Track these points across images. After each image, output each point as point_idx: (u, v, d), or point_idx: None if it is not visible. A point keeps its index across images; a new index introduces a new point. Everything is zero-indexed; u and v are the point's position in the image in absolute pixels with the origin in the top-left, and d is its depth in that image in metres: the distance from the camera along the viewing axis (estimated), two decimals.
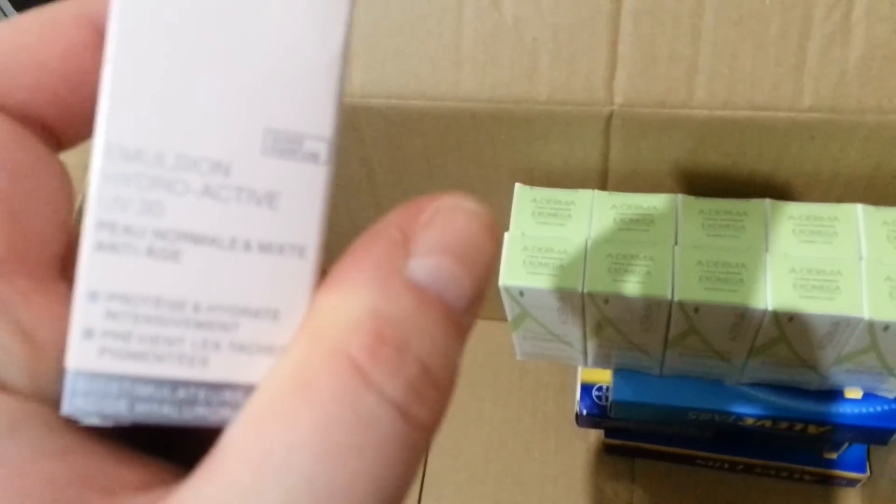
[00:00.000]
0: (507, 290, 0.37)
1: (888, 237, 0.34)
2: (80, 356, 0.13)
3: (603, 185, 0.39)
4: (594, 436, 0.50)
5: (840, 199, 0.36)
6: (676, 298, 0.34)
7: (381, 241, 0.14)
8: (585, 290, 0.35)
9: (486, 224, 0.15)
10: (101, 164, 0.13)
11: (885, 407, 0.40)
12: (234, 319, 0.14)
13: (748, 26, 0.32)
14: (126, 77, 0.13)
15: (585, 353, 0.42)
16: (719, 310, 0.34)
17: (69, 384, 0.13)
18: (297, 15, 0.14)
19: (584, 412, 0.45)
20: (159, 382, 0.13)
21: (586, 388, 0.46)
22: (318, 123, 0.14)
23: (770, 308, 0.34)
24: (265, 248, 0.14)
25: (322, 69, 0.14)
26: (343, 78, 0.15)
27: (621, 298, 0.35)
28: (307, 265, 0.14)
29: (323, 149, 0.14)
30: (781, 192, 0.36)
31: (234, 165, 0.14)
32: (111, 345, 0.13)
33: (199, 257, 0.14)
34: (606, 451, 0.49)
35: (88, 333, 0.13)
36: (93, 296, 0.13)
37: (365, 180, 0.41)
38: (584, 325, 0.39)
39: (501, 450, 0.50)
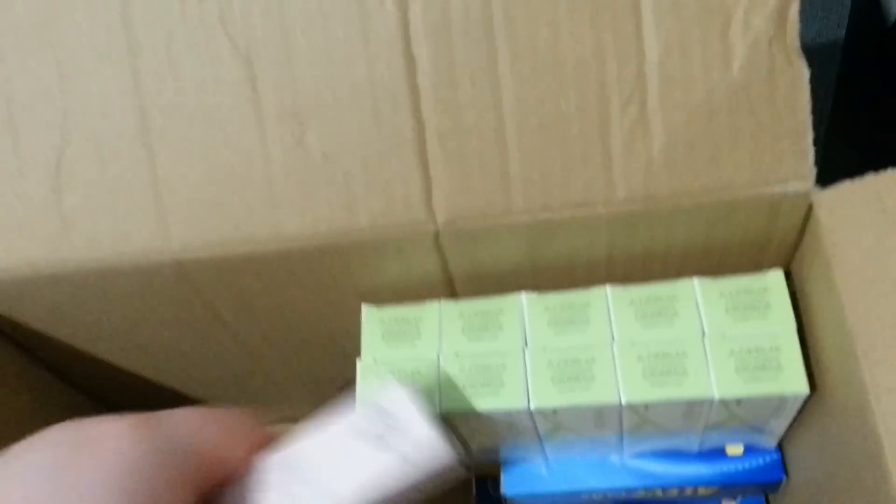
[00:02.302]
0: None
1: (727, 309, 0.35)
2: None
3: (451, 290, 0.38)
4: None
5: (679, 271, 0.36)
6: (533, 407, 0.34)
7: None
8: (442, 410, 0.35)
9: None
10: None
11: (768, 458, 0.41)
12: None
13: (549, 131, 0.32)
14: None
15: (467, 458, 0.42)
16: (576, 410, 0.34)
17: None
18: None
19: None
20: None
21: (481, 483, 0.46)
22: None
23: (624, 402, 0.33)
24: None
25: None
26: None
27: (480, 415, 0.35)
28: None
29: None
30: (624, 275, 0.36)
31: None
32: None
33: None
34: None
35: None
36: None
37: (212, 320, 0.40)
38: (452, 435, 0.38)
39: None
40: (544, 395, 0.34)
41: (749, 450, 0.41)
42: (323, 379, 0.46)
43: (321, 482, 0.29)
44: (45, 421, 0.29)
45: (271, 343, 0.43)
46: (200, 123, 0.33)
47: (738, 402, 0.33)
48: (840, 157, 0.33)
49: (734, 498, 0.45)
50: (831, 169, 0.32)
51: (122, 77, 0.34)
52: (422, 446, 0.29)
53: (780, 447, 0.41)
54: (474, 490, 0.45)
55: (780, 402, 0.34)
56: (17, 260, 0.35)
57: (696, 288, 0.35)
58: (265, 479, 0.29)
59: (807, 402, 0.34)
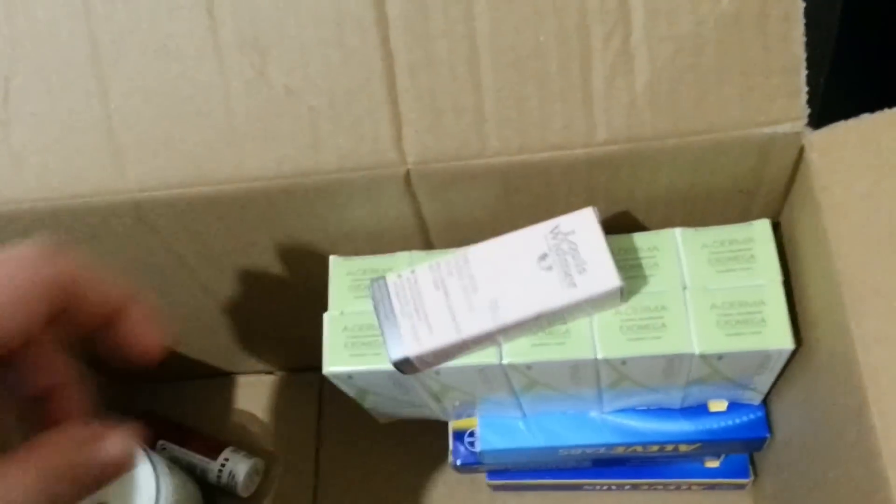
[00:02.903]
0: (334, 376, 0.34)
1: (710, 260, 0.33)
2: None
3: (426, 238, 0.37)
4: (480, 478, 0.48)
5: (663, 221, 0.35)
6: (505, 362, 0.32)
7: None
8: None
9: None
10: None
11: (752, 416, 0.39)
12: None
13: (527, 66, 0.30)
14: None
15: (443, 411, 0.41)
16: (550, 365, 0.33)
17: None
18: None
19: (459, 462, 0.44)
20: None
21: (458, 436, 0.44)
22: None
23: (600, 357, 0.32)
24: None
25: None
26: None
27: (453, 368, 0.33)
28: None
29: None
30: (604, 223, 0.34)
31: None
32: None
33: None
34: (494, 490, 0.48)
35: None
36: None
37: (177, 266, 0.38)
38: (427, 392, 0.37)
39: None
40: (519, 352, 0.33)
41: (733, 406, 0.39)
42: (297, 331, 0.45)
43: (483, 286, 0.31)
44: None
45: (241, 293, 0.42)
46: (154, 53, 0.31)
47: (720, 357, 0.32)
48: (844, 99, 0.31)
49: (717, 457, 0.44)
50: (834, 112, 0.30)
51: (72, 1, 0.31)
52: (592, 269, 0.30)
53: (766, 404, 0.39)
54: (451, 444, 0.44)
55: (763, 357, 0.32)
56: None
57: (677, 238, 0.33)
58: (432, 271, 0.31)
59: (793, 357, 0.33)
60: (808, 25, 0.29)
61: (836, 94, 0.38)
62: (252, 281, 0.40)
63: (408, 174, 0.32)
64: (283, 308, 0.43)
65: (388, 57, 0.31)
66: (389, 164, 0.32)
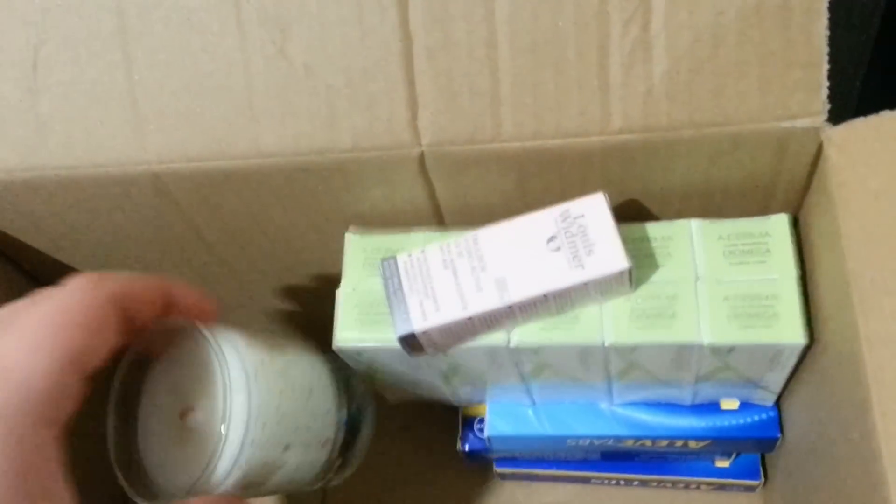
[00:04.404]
0: (343, 351, 0.35)
1: (724, 253, 0.33)
2: None
3: (440, 220, 0.37)
4: (488, 464, 0.48)
5: (678, 213, 0.34)
6: (513, 344, 0.33)
7: None
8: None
9: None
10: None
11: (764, 415, 0.39)
12: None
13: (544, 52, 0.30)
14: None
15: (453, 394, 0.41)
16: (559, 349, 0.33)
17: None
18: None
19: (467, 448, 0.44)
20: None
21: (468, 422, 0.45)
22: None
23: (608, 343, 0.32)
24: None
25: None
26: None
27: (462, 349, 0.33)
28: None
29: None
30: (618, 213, 0.34)
31: None
32: None
33: None
34: (502, 479, 0.48)
35: None
36: None
37: (196, 241, 0.39)
38: (436, 373, 0.37)
39: (395, 492, 0.49)
40: (528, 335, 0.33)
41: (745, 405, 0.39)
42: (309, 309, 0.45)
43: (492, 266, 0.31)
44: None
45: (258, 269, 0.42)
46: (178, 27, 0.32)
47: (730, 350, 0.32)
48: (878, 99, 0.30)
49: (728, 456, 0.44)
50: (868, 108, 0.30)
51: None
52: (600, 251, 0.30)
53: (779, 406, 0.39)
54: (459, 429, 0.44)
55: (775, 352, 0.32)
56: None
57: (692, 229, 0.33)
58: (441, 252, 0.32)
59: (806, 355, 0.32)
60: (846, 25, 0.29)
61: (871, 94, 0.37)
62: (267, 257, 0.41)
63: (422, 156, 0.32)
64: (295, 286, 0.43)
65: (406, 38, 0.31)
66: (404, 145, 0.32)
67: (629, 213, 0.35)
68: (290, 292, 0.44)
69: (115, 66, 0.33)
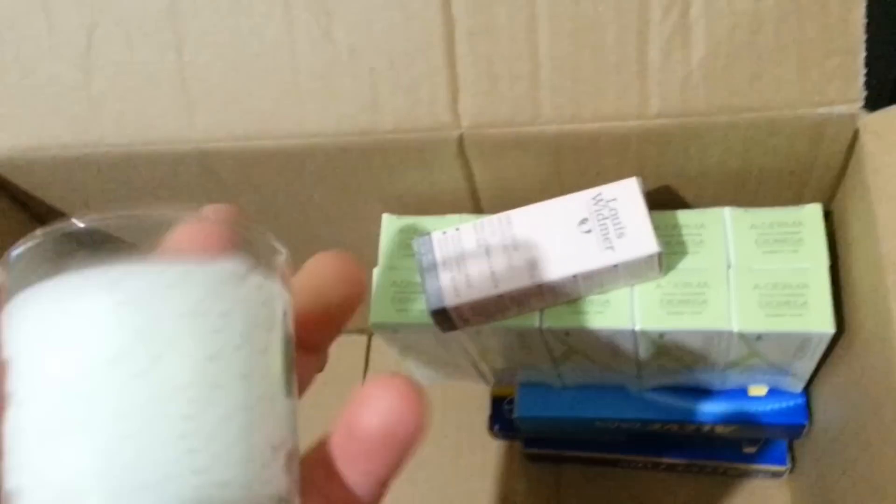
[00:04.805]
0: (379, 328, 0.35)
1: (757, 241, 0.33)
2: None
3: (476, 205, 0.38)
4: (517, 446, 0.49)
5: (713, 200, 0.35)
6: (544, 326, 0.33)
7: None
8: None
9: None
10: None
11: (792, 402, 0.39)
12: None
13: (584, 36, 0.31)
14: None
15: (483, 375, 0.41)
16: (589, 333, 0.33)
17: None
18: None
19: (497, 427, 0.45)
20: None
21: (497, 403, 0.45)
22: None
23: (638, 328, 0.32)
24: None
25: None
26: None
27: (493, 329, 0.34)
28: None
29: None
30: (652, 199, 0.34)
31: None
32: None
33: None
34: (530, 460, 0.48)
35: None
36: None
37: None
38: (468, 353, 0.38)
39: (424, 470, 0.50)
40: (558, 318, 0.33)
41: (773, 392, 0.39)
42: None
43: (524, 246, 0.32)
44: None
45: (295, 248, 0.43)
46: (228, 9, 0.33)
47: (759, 337, 0.32)
48: None
49: (755, 444, 0.44)
50: None
51: None
52: (630, 234, 0.31)
53: (807, 392, 0.39)
54: (489, 409, 0.45)
55: (803, 340, 0.32)
56: (47, 140, 0.36)
57: (725, 217, 0.34)
58: (475, 230, 0.32)
59: (835, 343, 0.33)
60: (883, 13, 0.29)
61: None
62: (305, 237, 0.42)
63: (461, 138, 0.33)
64: None
65: (448, 22, 0.32)
66: (443, 127, 0.33)
67: (663, 198, 0.35)
68: None
69: (166, 46, 0.34)
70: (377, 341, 0.53)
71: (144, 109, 0.35)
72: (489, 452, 0.50)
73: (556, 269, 0.31)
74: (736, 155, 0.33)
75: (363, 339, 0.53)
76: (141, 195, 0.38)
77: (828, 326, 0.31)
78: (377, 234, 0.37)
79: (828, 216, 0.34)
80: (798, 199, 0.34)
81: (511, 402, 0.44)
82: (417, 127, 0.33)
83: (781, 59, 0.30)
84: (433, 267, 0.32)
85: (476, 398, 0.48)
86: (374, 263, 0.36)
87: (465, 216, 0.36)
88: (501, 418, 0.45)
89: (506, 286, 0.31)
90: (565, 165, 0.34)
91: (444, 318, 0.32)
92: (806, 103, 0.30)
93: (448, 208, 0.37)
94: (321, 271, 0.23)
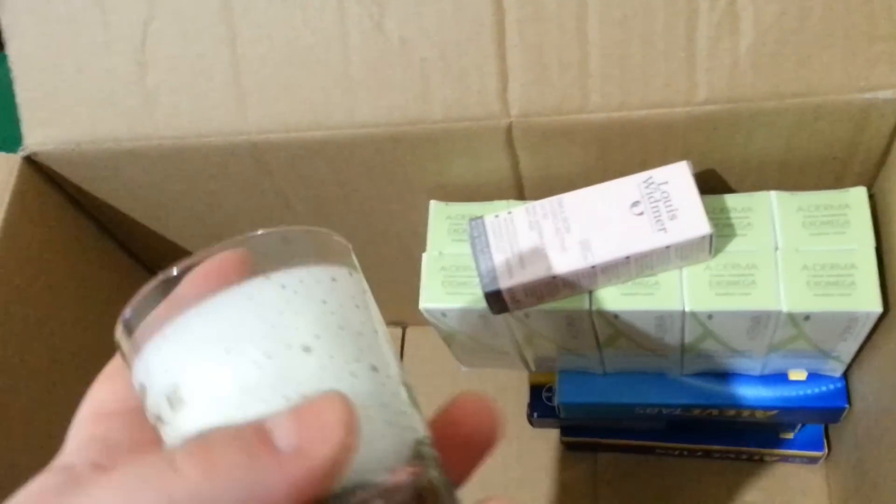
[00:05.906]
0: (429, 312, 0.36)
1: (804, 223, 0.34)
2: None
3: (520, 193, 0.38)
4: (554, 434, 0.49)
5: (756, 186, 0.35)
6: (594, 308, 0.34)
7: None
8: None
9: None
10: None
11: (831, 386, 0.40)
12: None
13: (633, 25, 0.31)
14: None
15: (526, 361, 0.42)
16: (639, 315, 0.34)
17: None
18: None
19: (536, 415, 0.45)
20: None
21: (535, 391, 0.46)
22: None
23: (688, 310, 0.33)
24: None
25: None
26: None
27: (543, 312, 0.35)
28: None
29: None
30: (697, 184, 0.35)
31: None
32: None
33: None
34: (567, 448, 0.49)
35: None
36: None
37: (283, 210, 0.41)
38: (513, 338, 0.38)
39: None
40: (608, 300, 0.34)
41: (813, 376, 0.40)
42: (394, 276, 0.47)
43: (576, 228, 0.32)
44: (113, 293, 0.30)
45: None
46: (281, 2, 0.34)
47: (807, 317, 0.33)
48: None
49: (793, 430, 0.45)
50: None
51: None
52: (682, 216, 0.31)
53: (846, 377, 0.40)
54: (528, 397, 0.45)
55: (850, 320, 0.33)
56: (102, 133, 0.36)
57: (772, 200, 0.34)
58: (527, 213, 0.33)
59: (878, 325, 0.33)
60: None
61: None
62: (350, 227, 0.42)
63: (510, 127, 0.34)
64: (376, 256, 0.45)
65: (499, 11, 0.32)
66: (493, 116, 0.34)
67: (707, 183, 0.36)
68: (371, 262, 0.46)
69: (220, 40, 0.35)
70: (412, 333, 0.54)
71: (198, 102, 0.35)
72: (525, 441, 0.50)
73: (609, 250, 0.32)
74: (781, 140, 0.33)
75: (398, 331, 0.54)
76: (190, 188, 0.39)
77: (875, 305, 0.32)
78: (417, 223, 0.38)
79: (870, 199, 0.34)
80: (839, 184, 0.35)
81: (550, 389, 0.45)
82: (467, 116, 0.34)
83: (828, 45, 0.30)
84: (486, 249, 0.33)
85: (513, 388, 0.49)
86: (418, 252, 0.37)
87: (512, 202, 0.37)
88: (541, 406, 0.45)
89: (559, 268, 0.32)
90: (610, 153, 0.35)
91: (497, 299, 0.33)
92: (851, 88, 0.31)
93: (492, 197, 0.38)
94: (465, 416, 0.22)
